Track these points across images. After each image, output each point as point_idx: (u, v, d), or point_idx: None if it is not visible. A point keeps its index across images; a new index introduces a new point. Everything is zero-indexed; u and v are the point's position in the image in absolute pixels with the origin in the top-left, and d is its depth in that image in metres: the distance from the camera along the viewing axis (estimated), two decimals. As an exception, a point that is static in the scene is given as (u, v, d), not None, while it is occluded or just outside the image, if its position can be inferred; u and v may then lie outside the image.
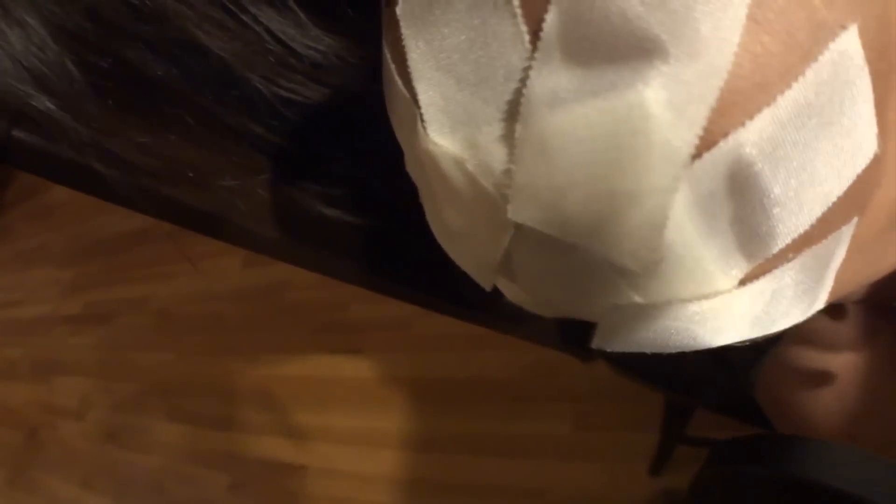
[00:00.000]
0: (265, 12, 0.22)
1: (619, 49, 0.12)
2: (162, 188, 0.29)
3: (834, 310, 0.36)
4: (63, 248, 2.15)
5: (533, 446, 1.09)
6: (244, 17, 0.22)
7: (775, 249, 0.15)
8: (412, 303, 0.43)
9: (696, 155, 0.13)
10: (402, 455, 1.22)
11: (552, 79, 0.13)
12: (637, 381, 0.57)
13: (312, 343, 1.43)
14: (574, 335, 0.50)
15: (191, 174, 0.28)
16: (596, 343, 0.18)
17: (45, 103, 0.22)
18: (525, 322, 0.44)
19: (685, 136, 0.13)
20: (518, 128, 0.14)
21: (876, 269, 0.20)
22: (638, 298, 0.16)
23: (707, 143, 0.13)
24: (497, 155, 0.14)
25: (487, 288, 0.18)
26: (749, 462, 0.31)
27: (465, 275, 0.20)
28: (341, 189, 0.31)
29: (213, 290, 1.66)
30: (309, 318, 1.45)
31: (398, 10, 0.15)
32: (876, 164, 0.14)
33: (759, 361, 0.38)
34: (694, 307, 0.16)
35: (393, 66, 0.16)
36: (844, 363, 0.35)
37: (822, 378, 0.35)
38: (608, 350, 0.18)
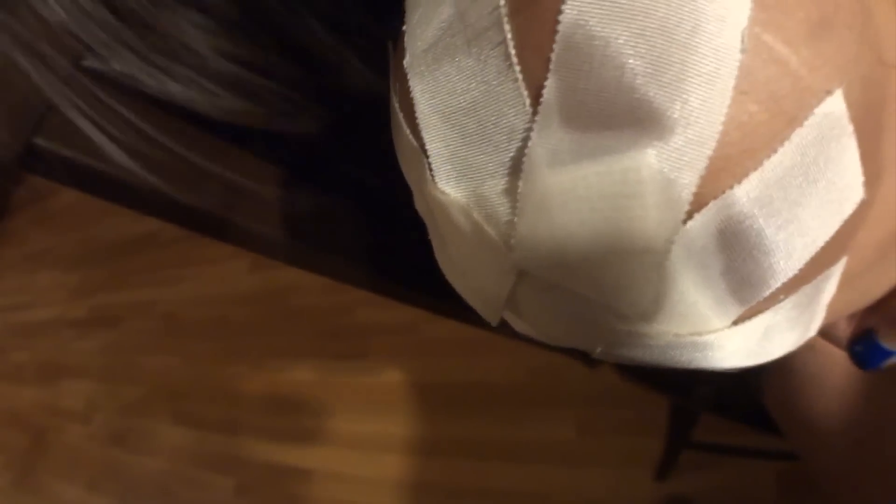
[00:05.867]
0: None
1: (615, 116, 0.13)
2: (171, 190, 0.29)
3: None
4: (70, 252, 2.16)
5: (538, 451, 1.09)
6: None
7: (766, 294, 0.15)
8: (419, 307, 0.43)
9: (689, 216, 0.14)
10: (407, 459, 1.22)
11: (552, 141, 0.14)
12: (643, 386, 0.57)
13: (319, 347, 1.44)
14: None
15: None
16: (598, 355, 0.19)
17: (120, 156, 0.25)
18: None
19: (677, 200, 0.13)
20: (520, 184, 0.14)
21: (866, 298, 0.21)
22: (637, 334, 0.17)
23: (698, 204, 0.14)
24: (501, 207, 0.15)
25: (493, 323, 0.19)
26: None
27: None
28: (349, 193, 0.31)
29: (220, 295, 1.67)
30: (315, 323, 1.45)
31: (406, 62, 0.16)
32: (863, 208, 0.15)
33: (766, 367, 0.38)
34: (690, 338, 0.16)
35: (401, 115, 0.17)
36: (851, 369, 0.35)
37: (830, 383, 0.35)
38: (609, 360, 0.19)
